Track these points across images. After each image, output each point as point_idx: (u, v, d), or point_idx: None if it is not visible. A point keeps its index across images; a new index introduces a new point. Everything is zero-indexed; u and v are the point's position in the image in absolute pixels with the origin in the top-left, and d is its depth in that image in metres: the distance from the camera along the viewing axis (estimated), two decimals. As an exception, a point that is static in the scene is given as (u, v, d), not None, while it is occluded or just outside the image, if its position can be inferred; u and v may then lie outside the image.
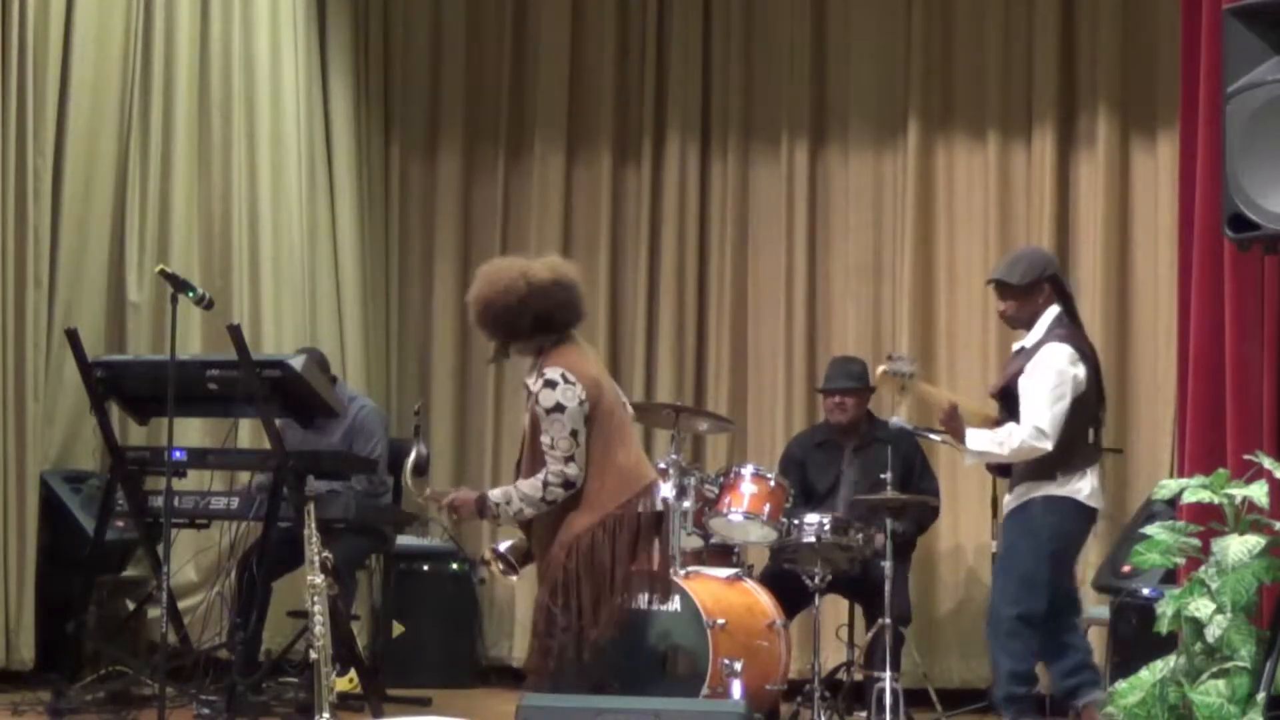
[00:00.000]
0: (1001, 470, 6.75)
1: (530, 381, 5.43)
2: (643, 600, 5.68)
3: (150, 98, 8.20)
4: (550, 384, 5.37)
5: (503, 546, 5.69)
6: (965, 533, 8.19)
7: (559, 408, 5.35)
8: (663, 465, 6.88)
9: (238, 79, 8.41)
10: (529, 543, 5.59)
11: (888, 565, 6.88)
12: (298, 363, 6.87)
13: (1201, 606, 4.56)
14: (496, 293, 5.43)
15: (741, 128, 8.88)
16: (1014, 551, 6.45)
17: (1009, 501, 6.53)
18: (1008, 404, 6.45)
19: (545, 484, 5.37)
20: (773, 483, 7.18)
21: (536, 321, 5.43)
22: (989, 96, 8.52)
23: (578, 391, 5.36)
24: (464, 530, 8.87)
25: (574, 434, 5.35)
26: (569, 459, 5.35)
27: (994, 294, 6.61)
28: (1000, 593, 6.50)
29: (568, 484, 5.36)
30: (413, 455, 5.73)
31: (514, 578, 5.76)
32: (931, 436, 7.79)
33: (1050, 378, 6.27)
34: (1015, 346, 6.61)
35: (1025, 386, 6.30)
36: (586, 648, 5.39)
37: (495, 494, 5.51)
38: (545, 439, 5.36)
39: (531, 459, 5.45)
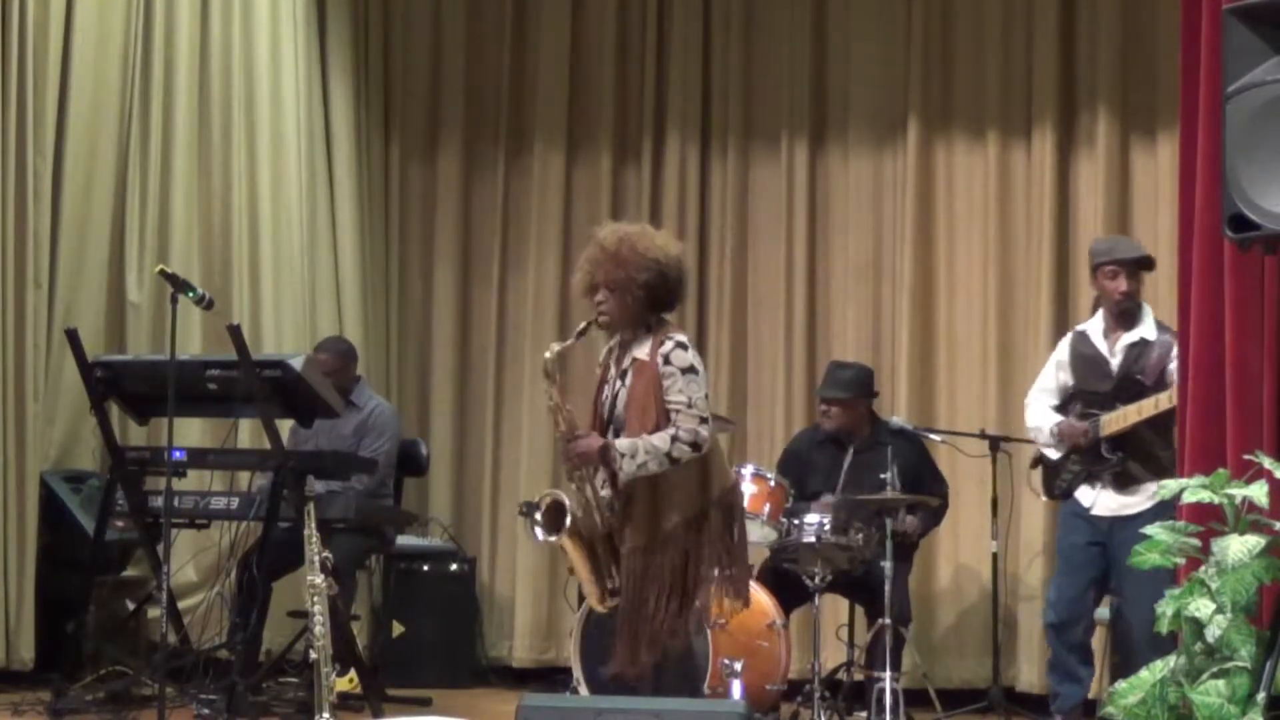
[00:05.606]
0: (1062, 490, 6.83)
1: (651, 347, 5.28)
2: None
3: (150, 98, 8.20)
4: (683, 346, 5.29)
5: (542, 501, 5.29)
6: (965, 533, 8.17)
7: (694, 369, 5.27)
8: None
9: (238, 79, 8.41)
10: (611, 513, 5.26)
11: (888, 565, 6.88)
12: (298, 363, 6.88)
13: (1201, 606, 4.55)
14: (671, 261, 5.32)
15: (741, 128, 8.87)
16: None
17: (1138, 500, 6.61)
18: (1133, 395, 6.65)
19: (675, 439, 5.17)
20: (773, 483, 7.18)
21: (668, 301, 5.36)
22: (989, 96, 8.51)
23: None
24: (463, 529, 8.90)
25: (707, 397, 5.27)
26: (704, 420, 5.23)
27: (1124, 273, 6.72)
28: (1154, 601, 6.61)
29: (696, 445, 5.20)
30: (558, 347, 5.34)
31: (552, 539, 5.26)
32: (932, 436, 7.79)
33: None
34: (1135, 337, 6.72)
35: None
36: (693, 633, 5.26)
37: (621, 444, 5.20)
38: (680, 397, 5.21)
39: (642, 420, 5.23)
